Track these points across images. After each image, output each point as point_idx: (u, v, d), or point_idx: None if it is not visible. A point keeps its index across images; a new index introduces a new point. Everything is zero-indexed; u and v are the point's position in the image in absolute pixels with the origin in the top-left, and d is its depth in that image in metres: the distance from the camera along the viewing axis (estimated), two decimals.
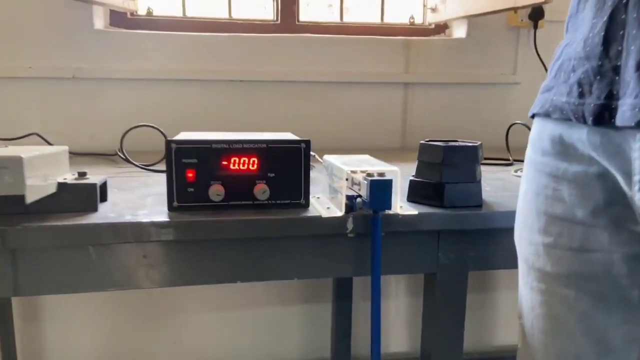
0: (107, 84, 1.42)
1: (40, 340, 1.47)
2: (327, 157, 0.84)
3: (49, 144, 1.30)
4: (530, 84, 1.60)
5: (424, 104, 1.57)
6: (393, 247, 0.77)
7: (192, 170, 0.74)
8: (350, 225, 0.74)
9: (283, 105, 1.50)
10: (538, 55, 1.58)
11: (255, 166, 0.75)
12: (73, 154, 1.31)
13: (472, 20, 1.55)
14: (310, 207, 0.77)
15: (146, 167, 1.08)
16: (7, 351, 1.31)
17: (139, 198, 0.83)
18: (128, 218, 0.70)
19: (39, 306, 1.47)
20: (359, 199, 0.75)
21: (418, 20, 1.65)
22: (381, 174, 0.71)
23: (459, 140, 0.84)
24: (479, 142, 0.81)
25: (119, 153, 1.12)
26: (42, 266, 0.69)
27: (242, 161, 0.75)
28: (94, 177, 0.77)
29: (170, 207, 0.74)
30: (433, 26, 1.64)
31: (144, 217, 0.71)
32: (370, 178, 0.70)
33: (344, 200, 0.73)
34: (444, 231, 0.79)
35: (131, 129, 1.09)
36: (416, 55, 1.54)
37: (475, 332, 1.72)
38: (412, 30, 1.63)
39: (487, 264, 0.81)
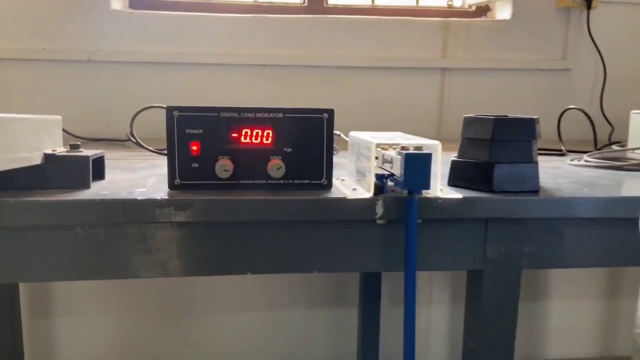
0: (124, 67, 1.35)
1: (49, 338, 1.40)
2: (353, 133, 0.73)
3: (64, 130, 1.23)
4: (583, 71, 1.46)
5: (463, 91, 1.44)
6: (431, 238, 0.65)
7: (197, 142, 0.64)
8: (380, 210, 0.62)
9: (309, 92, 1.39)
10: (592, 38, 1.43)
11: (270, 139, 0.65)
12: (86, 140, 1.24)
13: (518, 0, 1.41)
14: (333, 189, 0.66)
15: (157, 151, 0.99)
16: (13, 349, 1.24)
17: (141, 178, 0.73)
18: (122, 196, 0.60)
19: (47, 302, 1.40)
20: (390, 180, 0.63)
21: (457, 2, 1.53)
22: (418, 148, 0.60)
23: (509, 115, 0.71)
24: (536, 116, 0.68)
25: (130, 137, 1.03)
26: (19, 248, 0.60)
27: (254, 133, 0.65)
28: (89, 151, 0.68)
29: (172, 185, 0.64)
30: (473, 9, 1.51)
31: (140, 195, 0.61)
32: (405, 152, 0.58)
33: (372, 179, 0.61)
34: (493, 219, 0.66)
35: (141, 110, 1.00)
36: (455, 38, 1.41)
37: (524, 343, 1.56)
38: (450, 13, 1.50)
39: (545, 261, 0.68)
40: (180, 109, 0.63)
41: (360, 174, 0.70)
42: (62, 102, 1.34)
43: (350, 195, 0.61)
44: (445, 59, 1.42)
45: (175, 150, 0.64)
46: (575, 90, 1.46)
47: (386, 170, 0.63)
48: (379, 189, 0.62)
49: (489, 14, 1.51)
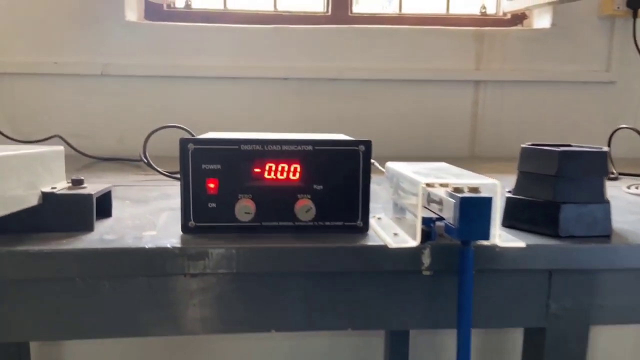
0: (139, 82, 1.28)
1: None
2: (391, 164, 0.64)
3: (72, 147, 1.17)
4: (628, 83, 1.35)
5: (498, 105, 1.34)
6: (485, 291, 0.56)
7: (215, 179, 0.55)
8: (426, 260, 0.53)
9: (333, 107, 1.31)
10: (638, 49, 1.32)
11: (298, 175, 0.56)
12: (97, 159, 1.17)
13: (558, 7, 1.31)
14: (370, 232, 0.57)
15: (170, 175, 0.91)
16: None
17: (152, 213, 0.65)
18: (128, 242, 0.52)
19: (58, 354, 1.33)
20: (438, 223, 0.54)
21: (490, 10, 1.43)
22: (474, 189, 0.50)
23: (572, 144, 0.62)
24: (605, 148, 0.58)
25: (142, 158, 0.96)
26: (11, 304, 0.52)
27: (279, 168, 0.56)
28: (93, 186, 0.60)
29: (185, 228, 0.56)
30: (509, 16, 1.41)
31: (149, 240, 0.53)
32: (460, 195, 0.49)
33: (419, 225, 0.52)
34: (558, 271, 0.56)
35: (155, 130, 0.93)
36: (489, 48, 1.32)
37: None
38: (484, 21, 1.40)
39: (618, 316, 0.58)
40: (195, 141, 0.55)
41: (399, 210, 0.62)
42: (74, 118, 1.28)
43: (392, 243, 0.53)
44: (479, 70, 1.32)
45: (190, 188, 0.55)
46: (620, 104, 1.35)
47: (433, 212, 0.54)
48: (426, 235, 0.53)
49: (525, 22, 1.41)
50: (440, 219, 0.53)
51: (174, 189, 0.83)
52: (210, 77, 1.29)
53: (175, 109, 1.27)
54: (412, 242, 0.52)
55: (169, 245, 0.51)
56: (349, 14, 1.39)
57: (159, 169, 0.92)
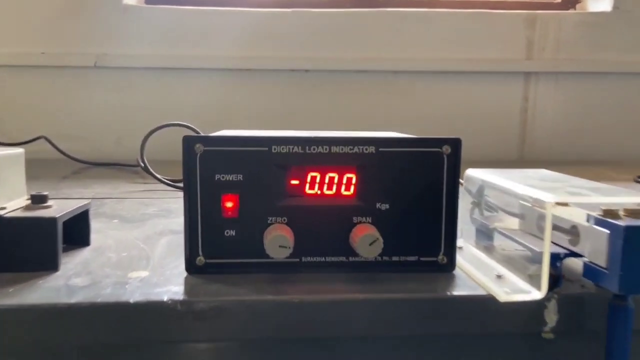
0: (138, 74, 1.12)
1: None
2: (473, 172, 0.47)
3: (60, 151, 1.00)
4: None
5: (552, 100, 1.16)
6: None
7: (234, 195, 0.38)
8: (551, 317, 0.36)
9: (360, 102, 1.14)
10: None
11: (354, 189, 0.39)
12: (89, 164, 1.00)
13: None
14: (458, 272, 0.40)
15: (173, 183, 0.74)
16: None
17: (146, 240, 0.48)
18: (104, 293, 0.35)
19: None
20: (569, 261, 0.36)
21: None
22: (635, 213, 0.33)
23: None
24: None
25: (140, 162, 0.79)
26: None
27: (327, 180, 0.39)
28: (63, 203, 0.43)
29: (191, 267, 0.38)
30: (559, 0, 1.23)
31: (137, 288, 0.35)
32: (617, 222, 0.31)
33: (546, 268, 0.34)
34: None
35: (155, 129, 0.76)
36: (542, 35, 1.14)
37: None
38: (531, 4, 1.23)
39: None
40: (205, 140, 0.38)
41: (485, 236, 0.44)
42: (63, 116, 1.11)
43: (502, 294, 0.35)
44: (531, 60, 1.15)
45: (198, 208, 0.38)
46: None
47: (561, 248, 0.37)
48: (554, 280, 0.35)
49: (578, 5, 1.23)
50: (572, 254, 0.36)
51: (178, 202, 0.66)
52: (220, 69, 1.12)
53: (181, 105, 1.10)
54: (536, 293, 0.34)
55: (165, 299, 0.34)
56: None
57: (159, 175, 0.75)
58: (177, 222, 0.55)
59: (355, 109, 1.13)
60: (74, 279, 0.37)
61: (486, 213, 0.47)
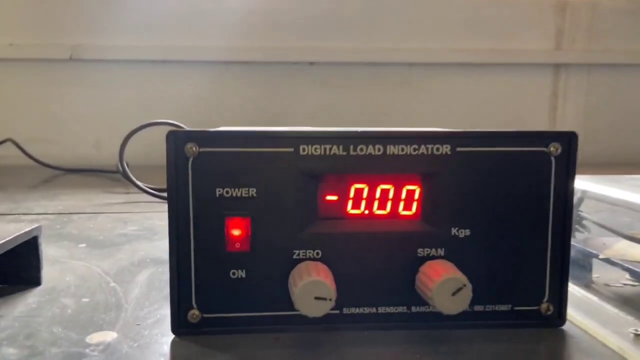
0: (119, 68, 0.99)
1: None
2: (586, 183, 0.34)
3: (29, 156, 0.87)
4: None
5: (584, 95, 1.06)
6: None
7: (244, 219, 0.26)
8: None
9: (371, 98, 1.02)
10: None
11: (416, 208, 0.27)
12: (63, 171, 0.87)
13: None
14: (569, 328, 0.27)
15: (158, 194, 0.61)
16: None
17: (118, 275, 0.35)
18: None
19: None
20: None
21: None
22: None
23: None
24: None
25: (119, 169, 0.66)
26: None
27: (379, 194, 0.27)
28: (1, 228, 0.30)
29: (181, 326, 0.26)
30: None
31: None
32: None
33: None
34: None
35: (137, 130, 0.64)
36: (573, 23, 1.04)
37: None
38: None
39: None
40: (201, 137, 0.25)
41: (580, 267, 0.32)
42: (34, 116, 0.98)
43: None
44: (561, 51, 1.04)
45: (191, 240, 0.26)
46: None
47: None
48: None
49: None
50: None
51: (165, 216, 0.53)
52: (211, 62, 1.00)
53: (168, 102, 0.98)
54: None
55: None
56: None
57: (140, 183, 0.62)
58: (163, 245, 0.42)
59: (366, 106, 1.01)
60: (4, 349, 0.25)
61: (578, 235, 0.35)
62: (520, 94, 1.04)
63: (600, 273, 0.34)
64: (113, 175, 0.81)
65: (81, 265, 0.38)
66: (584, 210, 0.34)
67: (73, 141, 0.98)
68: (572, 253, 0.34)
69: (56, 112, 0.98)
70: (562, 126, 1.05)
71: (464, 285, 0.24)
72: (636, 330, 0.26)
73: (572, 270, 0.34)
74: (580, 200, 0.33)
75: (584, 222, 0.35)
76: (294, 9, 1.00)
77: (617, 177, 0.36)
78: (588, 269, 0.33)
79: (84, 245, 0.43)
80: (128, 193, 0.68)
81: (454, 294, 0.24)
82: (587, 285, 0.32)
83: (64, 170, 0.87)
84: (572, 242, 0.34)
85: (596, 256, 0.31)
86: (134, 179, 0.63)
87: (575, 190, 0.33)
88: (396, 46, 1.02)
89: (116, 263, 0.38)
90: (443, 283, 0.24)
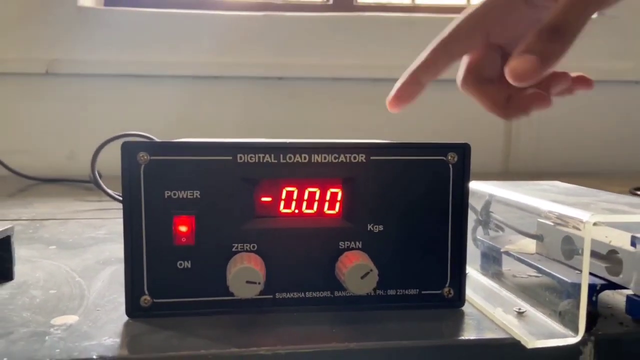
0: (94, 82, 1.02)
1: None
2: (478, 185, 0.40)
3: (5, 166, 0.90)
4: None
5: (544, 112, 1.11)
6: None
7: (189, 217, 0.30)
8: None
9: (337, 112, 1.07)
10: None
11: (338, 208, 0.32)
12: (38, 181, 0.90)
13: None
14: (468, 309, 0.32)
15: None
16: None
17: (84, 272, 0.39)
18: (13, 348, 0.27)
19: None
20: (606, 294, 0.30)
21: None
22: None
23: None
24: None
25: (91, 178, 0.70)
26: None
27: (306, 195, 0.32)
28: None
29: (134, 309, 0.30)
30: None
31: (58, 340, 0.27)
32: None
33: (584, 304, 0.27)
34: None
35: (109, 140, 0.67)
36: None
37: None
38: None
39: None
40: (151, 148, 0.30)
41: (494, 260, 0.38)
42: (10, 128, 1.01)
43: (532, 338, 0.28)
44: None
45: (143, 235, 0.30)
46: None
47: (594, 275, 0.30)
48: (590, 319, 0.28)
49: None
50: (610, 286, 0.29)
51: None
52: (185, 77, 1.03)
53: (142, 116, 1.01)
54: (571, 337, 0.27)
55: (94, 356, 0.26)
56: (354, 3, 1.16)
57: (111, 192, 0.66)
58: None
59: (332, 120, 1.06)
60: None
61: (492, 233, 0.40)
62: (477, 108, 1.10)
63: (511, 267, 0.39)
64: (86, 185, 0.85)
65: (50, 264, 0.41)
66: (494, 211, 0.39)
67: (47, 153, 1.01)
68: (483, 248, 0.39)
69: (32, 125, 1.01)
70: (517, 138, 1.12)
71: (371, 270, 0.29)
72: (519, 309, 0.31)
73: (483, 263, 0.39)
74: (488, 203, 0.38)
75: (495, 222, 0.40)
76: (263, 29, 1.05)
77: (522, 182, 0.42)
78: (498, 262, 0.38)
79: (54, 247, 0.47)
80: (100, 201, 0.72)
81: (362, 277, 0.29)
82: (495, 275, 0.37)
83: (38, 180, 0.90)
84: (483, 239, 0.39)
85: (499, 250, 0.36)
86: (104, 187, 0.67)
87: (483, 194, 0.39)
88: (361, 63, 1.08)
89: (83, 262, 0.42)
90: (353, 268, 0.29)
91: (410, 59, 1.11)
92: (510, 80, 0.31)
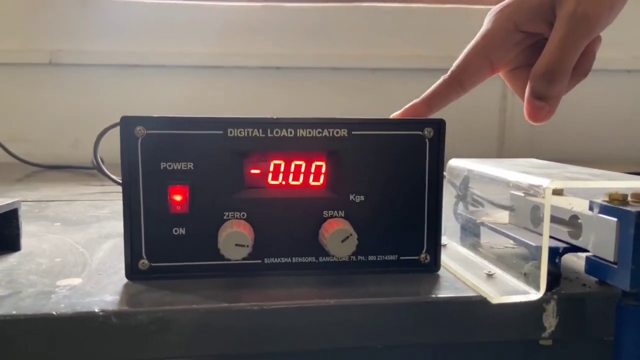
0: (97, 72, 1.05)
1: None
2: (457, 162, 0.42)
3: (11, 154, 0.92)
4: None
5: None
6: None
7: (183, 187, 0.33)
8: (550, 322, 0.31)
9: (336, 101, 1.09)
10: None
11: (323, 179, 0.34)
12: (43, 167, 0.93)
13: None
14: (443, 273, 0.35)
15: None
16: None
17: (87, 244, 0.42)
18: (24, 304, 0.29)
19: None
20: (568, 257, 0.32)
21: None
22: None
23: None
24: None
25: (94, 163, 0.72)
26: None
27: (293, 168, 0.34)
28: None
29: (132, 271, 0.33)
30: None
31: (65, 297, 0.30)
32: (628, 209, 0.27)
33: (544, 263, 0.30)
34: None
35: (110, 127, 0.69)
36: None
37: None
38: None
39: None
40: (148, 122, 0.32)
41: (472, 232, 0.40)
42: (15, 118, 1.03)
43: (496, 294, 0.30)
44: None
45: (141, 203, 0.32)
46: None
47: (558, 240, 0.32)
48: (553, 280, 0.31)
49: None
50: (572, 249, 0.31)
51: None
52: (185, 67, 1.06)
53: (144, 105, 1.04)
54: (534, 293, 0.30)
55: (96, 309, 0.28)
56: None
57: (114, 176, 0.69)
58: None
59: (330, 109, 1.08)
60: None
61: (471, 208, 0.42)
62: (472, 97, 1.12)
63: (490, 239, 0.41)
64: (89, 171, 0.87)
65: (56, 238, 0.44)
66: (473, 187, 0.42)
67: (52, 141, 1.03)
68: (462, 222, 0.42)
69: (36, 114, 1.04)
70: (511, 127, 1.14)
71: (351, 234, 0.32)
72: (489, 272, 0.33)
73: (463, 236, 0.42)
74: (467, 178, 0.41)
75: (475, 196, 0.42)
76: (262, 20, 1.07)
77: (501, 159, 0.44)
78: (476, 234, 0.40)
79: (59, 223, 0.50)
80: (103, 185, 0.75)
81: (342, 241, 0.31)
82: (473, 246, 0.40)
83: (44, 167, 0.93)
84: (463, 213, 0.42)
85: (474, 222, 0.39)
86: (107, 171, 0.69)
87: (461, 169, 0.41)
88: (359, 53, 1.10)
89: (86, 236, 0.45)
90: (334, 233, 0.31)
91: (407, 49, 1.15)
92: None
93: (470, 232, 0.40)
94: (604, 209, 0.28)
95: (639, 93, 1.16)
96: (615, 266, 0.28)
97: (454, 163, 0.42)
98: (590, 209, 0.30)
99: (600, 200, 0.29)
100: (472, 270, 0.34)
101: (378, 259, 0.34)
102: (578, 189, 0.34)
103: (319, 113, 1.10)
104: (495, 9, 0.41)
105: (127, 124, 0.32)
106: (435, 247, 0.34)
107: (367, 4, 1.11)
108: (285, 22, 1.07)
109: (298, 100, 1.08)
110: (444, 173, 0.43)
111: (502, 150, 1.14)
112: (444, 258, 0.36)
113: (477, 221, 0.38)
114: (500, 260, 0.35)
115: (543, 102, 0.37)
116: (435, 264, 0.35)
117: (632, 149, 1.13)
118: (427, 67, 1.09)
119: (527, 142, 1.13)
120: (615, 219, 0.27)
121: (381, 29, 1.09)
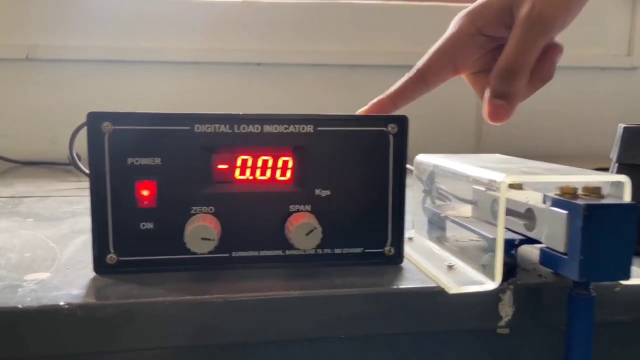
0: (76, 67, 1.04)
1: None
2: (424, 157, 0.43)
3: None
4: None
5: None
6: (602, 352, 0.35)
7: (150, 182, 0.33)
8: (507, 310, 0.32)
9: (316, 97, 1.10)
10: None
11: (290, 174, 0.35)
12: (19, 164, 0.92)
13: None
14: (406, 265, 0.36)
15: None
16: None
17: (59, 239, 0.42)
18: None
19: None
20: (524, 248, 0.33)
21: None
22: (594, 191, 0.30)
23: None
24: None
25: (70, 160, 0.72)
26: None
27: (260, 164, 0.35)
28: None
29: (101, 266, 0.33)
30: None
31: (31, 291, 0.30)
32: (578, 202, 0.28)
33: (500, 255, 0.31)
34: None
35: (83, 125, 0.69)
36: None
37: None
38: None
39: None
40: (115, 118, 0.33)
41: (438, 226, 0.41)
42: None
43: (454, 285, 0.31)
44: None
45: (108, 198, 0.33)
46: None
47: (515, 232, 0.33)
48: (508, 270, 0.32)
49: None
50: (528, 241, 0.33)
51: None
52: (166, 62, 1.05)
53: (124, 102, 1.03)
54: (490, 283, 0.31)
55: (62, 303, 0.29)
56: None
57: (88, 172, 0.68)
58: None
59: (310, 105, 1.09)
60: None
61: (438, 202, 0.43)
62: (450, 94, 1.13)
63: (455, 232, 0.42)
64: (66, 167, 0.87)
65: (27, 233, 0.44)
66: (440, 182, 0.43)
67: (29, 137, 1.02)
68: (429, 216, 0.43)
69: (14, 110, 1.03)
70: (487, 123, 1.16)
71: (315, 228, 0.32)
72: (450, 264, 0.34)
73: (429, 229, 0.43)
74: (432, 173, 0.42)
75: (441, 191, 0.43)
76: (242, 15, 1.07)
77: (466, 155, 0.45)
78: (442, 228, 0.41)
79: (31, 219, 0.50)
80: (79, 181, 0.74)
81: (307, 234, 0.32)
82: (438, 239, 0.41)
83: (20, 163, 0.92)
84: (430, 207, 0.43)
85: (439, 216, 0.40)
86: (82, 167, 0.68)
87: (428, 165, 0.42)
88: (338, 49, 1.10)
89: (58, 231, 0.45)
90: (299, 226, 0.32)
91: (386, 46, 1.16)
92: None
93: (437, 226, 0.42)
94: (556, 202, 0.29)
95: (612, 90, 1.19)
96: (566, 257, 0.29)
97: (420, 158, 0.43)
98: (544, 202, 0.31)
99: (552, 194, 0.30)
100: (434, 262, 0.35)
101: (344, 251, 0.35)
102: (538, 183, 0.35)
103: (299, 109, 1.11)
104: (461, 13, 0.43)
105: (94, 119, 0.32)
106: (399, 240, 0.35)
107: (347, 1, 1.11)
108: (265, 18, 1.07)
109: (279, 96, 1.09)
110: (412, 167, 0.44)
111: (479, 145, 1.16)
112: (410, 251, 0.37)
113: (442, 215, 0.39)
114: (463, 252, 0.36)
115: (502, 100, 0.38)
116: (399, 256, 0.35)
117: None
118: (405, 64, 1.10)
119: (504, 139, 1.14)
120: (565, 212, 0.28)
121: (360, 26, 1.10)
